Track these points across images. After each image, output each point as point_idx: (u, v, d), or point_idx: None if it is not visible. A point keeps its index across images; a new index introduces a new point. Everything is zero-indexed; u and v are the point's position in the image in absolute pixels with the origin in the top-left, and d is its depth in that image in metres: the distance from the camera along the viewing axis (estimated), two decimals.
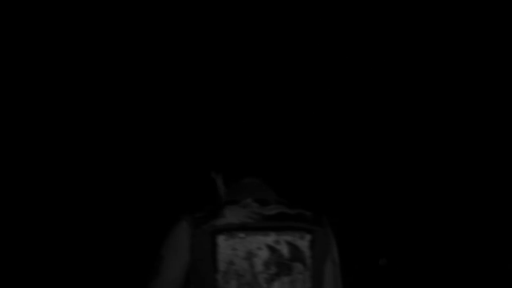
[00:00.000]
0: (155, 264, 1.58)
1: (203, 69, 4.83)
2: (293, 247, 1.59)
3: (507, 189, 5.06)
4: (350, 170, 5.30)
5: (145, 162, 4.97)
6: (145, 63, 4.84)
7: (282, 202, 1.67)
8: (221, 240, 1.54)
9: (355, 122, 5.23)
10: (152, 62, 4.84)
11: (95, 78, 4.87)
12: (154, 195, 4.87)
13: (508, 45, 4.73)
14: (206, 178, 1.78)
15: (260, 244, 1.56)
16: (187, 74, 4.90)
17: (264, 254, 1.56)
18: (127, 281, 4.57)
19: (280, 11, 4.71)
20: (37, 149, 4.83)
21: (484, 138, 5.10)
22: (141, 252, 4.50)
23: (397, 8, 4.71)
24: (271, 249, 1.56)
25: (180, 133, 4.90)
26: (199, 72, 4.87)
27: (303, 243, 1.61)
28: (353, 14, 4.76)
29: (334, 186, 5.23)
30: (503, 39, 4.72)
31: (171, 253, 1.57)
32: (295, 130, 4.96)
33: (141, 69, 4.88)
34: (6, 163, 4.71)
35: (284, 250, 1.57)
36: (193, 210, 1.63)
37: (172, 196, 4.69)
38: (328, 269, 1.65)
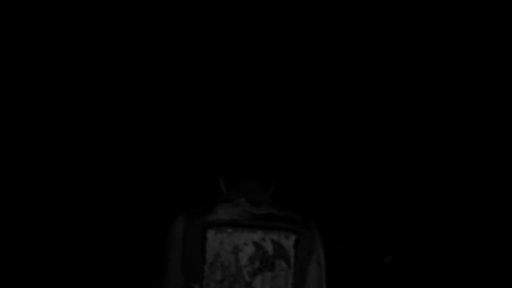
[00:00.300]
0: (163, 258, 1.73)
1: (208, 75, 4.87)
2: (277, 245, 1.71)
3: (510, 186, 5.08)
4: (354, 168, 5.33)
5: (151, 165, 5.00)
6: (153, 67, 4.88)
7: (272, 204, 1.80)
8: (211, 234, 1.68)
9: (358, 120, 5.27)
10: (160, 67, 4.88)
11: (94, 78, 4.89)
12: (157, 196, 4.91)
13: (508, 45, 4.76)
14: (211, 180, 1.91)
15: (246, 240, 1.69)
16: (191, 78, 4.94)
17: (249, 249, 1.69)
18: (127, 281, 4.63)
19: (283, 11, 4.74)
20: (37, 149, 4.83)
21: (485, 137, 5.13)
22: (142, 252, 4.58)
23: (397, 8, 4.75)
24: (257, 245, 1.69)
25: (184, 137, 4.95)
26: (203, 77, 4.91)
27: (288, 242, 1.72)
28: (355, 14, 4.79)
29: (339, 184, 5.27)
30: (503, 39, 4.76)
31: (172, 247, 1.72)
32: (295, 130, 5.00)
33: (147, 72, 4.91)
34: (6, 163, 4.72)
35: (269, 247, 1.70)
36: (190, 207, 1.77)
37: (175, 197, 4.75)
38: (312, 269, 1.74)
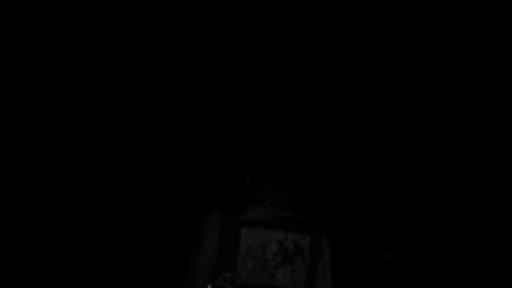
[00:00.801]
0: (196, 242, 2.02)
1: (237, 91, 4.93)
2: (296, 244, 2.03)
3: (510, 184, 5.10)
4: (354, 165, 5.35)
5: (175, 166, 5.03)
6: (178, 72, 4.91)
7: (291, 208, 2.11)
8: (244, 231, 1.99)
9: (358, 119, 5.31)
10: (186, 72, 4.91)
11: (119, 79, 4.91)
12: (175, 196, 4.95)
13: (508, 45, 4.79)
14: (239, 182, 2.23)
15: (272, 238, 2.01)
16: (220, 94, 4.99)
17: (274, 246, 2.01)
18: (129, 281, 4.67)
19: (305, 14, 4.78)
20: (40, 149, 4.84)
21: (485, 136, 5.15)
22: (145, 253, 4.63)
23: (397, 8, 4.78)
24: (280, 243, 2.01)
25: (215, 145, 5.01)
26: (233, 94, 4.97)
27: (304, 242, 2.05)
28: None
29: (338, 182, 5.30)
30: (503, 39, 4.78)
31: (207, 234, 2.01)
32: (301, 132, 5.06)
33: (173, 76, 4.94)
34: (6, 163, 4.73)
35: (290, 245, 2.02)
36: (222, 204, 2.06)
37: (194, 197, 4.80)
38: (321, 265, 2.09)
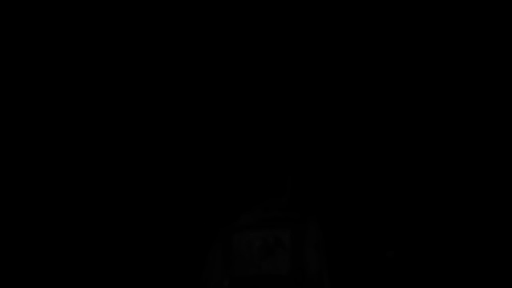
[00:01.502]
0: (214, 245, 2.57)
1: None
2: (276, 238, 2.49)
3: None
4: (355, 161, 5.37)
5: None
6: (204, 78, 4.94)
7: (278, 208, 2.59)
8: (234, 235, 2.53)
9: (357, 118, 5.34)
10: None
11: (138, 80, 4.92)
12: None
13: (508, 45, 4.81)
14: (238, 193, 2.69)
15: (256, 237, 2.50)
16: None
17: (258, 243, 2.48)
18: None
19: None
20: (40, 149, 4.84)
21: (485, 135, 5.18)
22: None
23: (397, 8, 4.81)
24: (263, 239, 2.49)
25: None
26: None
27: (285, 235, 2.50)
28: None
29: (339, 178, 5.32)
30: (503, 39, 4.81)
31: (214, 242, 2.58)
32: (301, 131, 5.10)
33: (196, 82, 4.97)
34: (6, 163, 4.75)
35: (271, 240, 2.49)
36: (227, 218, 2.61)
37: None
38: (309, 253, 2.50)
